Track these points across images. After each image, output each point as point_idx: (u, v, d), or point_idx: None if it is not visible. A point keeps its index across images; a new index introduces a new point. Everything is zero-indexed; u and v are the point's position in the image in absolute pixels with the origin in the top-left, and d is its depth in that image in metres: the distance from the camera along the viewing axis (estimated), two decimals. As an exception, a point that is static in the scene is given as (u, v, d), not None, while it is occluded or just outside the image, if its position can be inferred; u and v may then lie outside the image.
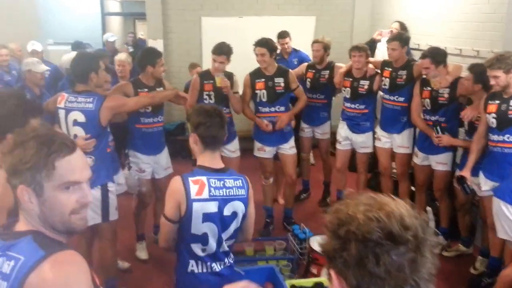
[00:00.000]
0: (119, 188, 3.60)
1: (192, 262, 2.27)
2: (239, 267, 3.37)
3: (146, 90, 3.86)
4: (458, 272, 3.87)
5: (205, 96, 4.18)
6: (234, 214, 2.25)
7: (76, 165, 1.21)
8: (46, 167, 1.14)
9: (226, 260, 2.35)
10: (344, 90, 4.64)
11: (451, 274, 3.83)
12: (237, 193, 2.24)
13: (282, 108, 4.35)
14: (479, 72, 3.56)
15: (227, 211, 2.22)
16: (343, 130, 4.75)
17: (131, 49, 8.52)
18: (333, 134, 5.05)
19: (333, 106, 5.19)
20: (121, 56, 4.94)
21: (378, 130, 4.58)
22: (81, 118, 3.21)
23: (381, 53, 5.41)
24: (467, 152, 3.77)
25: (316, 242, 3.84)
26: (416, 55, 5.15)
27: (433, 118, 3.99)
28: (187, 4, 6.89)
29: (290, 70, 4.53)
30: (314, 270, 3.55)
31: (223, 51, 4.23)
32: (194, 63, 6.34)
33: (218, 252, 2.29)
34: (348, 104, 4.67)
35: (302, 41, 6.30)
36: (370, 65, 4.55)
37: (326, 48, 4.84)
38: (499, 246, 3.47)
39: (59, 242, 1.20)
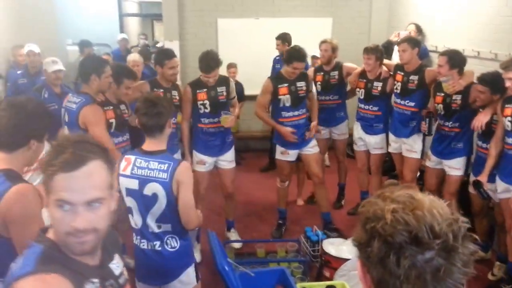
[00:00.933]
0: None
1: (133, 233, 2.57)
2: (250, 269, 3.44)
3: (161, 90, 3.95)
4: (476, 278, 3.81)
5: (199, 106, 4.03)
6: (155, 196, 2.41)
7: (73, 185, 1.15)
8: (48, 177, 1.17)
9: (157, 242, 2.47)
10: (359, 91, 4.67)
11: (469, 281, 3.78)
12: (157, 176, 2.39)
13: (303, 111, 4.37)
14: (492, 81, 3.52)
15: (147, 191, 2.42)
16: (357, 131, 4.81)
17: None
18: (351, 135, 5.06)
19: (349, 108, 5.18)
20: (134, 57, 5.02)
21: (389, 134, 4.58)
22: (66, 117, 3.37)
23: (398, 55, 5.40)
24: (480, 158, 3.73)
25: (329, 245, 3.85)
26: (434, 57, 5.13)
27: (447, 124, 3.96)
28: (203, 6, 6.96)
29: (307, 72, 4.54)
30: (327, 273, 3.56)
31: (212, 66, 3.90)
32: (231, 63, 6.29)
33: (146, 231, 2.48)
34: (362, 105, 4.71)
35: (318, 43, 6.32)
36: (384, 67, 4.55)
37: (334, 49, 4.84)
38: None
39: None
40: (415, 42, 4.36)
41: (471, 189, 3.85)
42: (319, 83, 4.92)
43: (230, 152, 4.27)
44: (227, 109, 4.16)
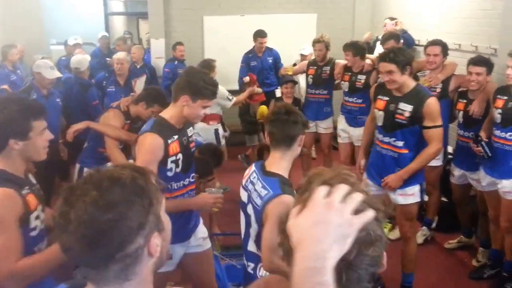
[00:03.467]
0: None
1: None
2: (236, 261, 3.47)
3: None
4: (461, 264, 3.94)
5: None
6: (248, 217, 2.23)
7: None
8: None
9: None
10: (343, 84, 4.77)
11: (455, 266, 3.92)
12: (255, 200, 2.23)
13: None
14: (486, 61, 3.56)
15: (248, 210, 2.24)
16: (341, 124, 4.90)
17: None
18: (335, 128, 5.17)
19: (334, 102, 5.26)
20: (120, 55, 5.01)
21: None
22: None
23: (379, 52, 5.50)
24: (461, 147, 3.78)
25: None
26: (418, 50, 5.22)
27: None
28: (189, 3, 6.97)
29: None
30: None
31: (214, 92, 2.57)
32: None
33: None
34: (346, 98, 4.80)
35: (304, 39, 6.36)
36: (368, 61, 4.63)
37: (328, 46, 4.98)
38: (500, 239, 3.52)
39: None
40: (398, 37, 4.48)
41: (452, 179, 3.93)
42: (310, 76, 5.05)
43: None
44: None
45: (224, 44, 6.81)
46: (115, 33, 9.73)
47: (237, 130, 6.39)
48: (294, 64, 6.19)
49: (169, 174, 2.41)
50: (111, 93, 4.89)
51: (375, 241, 0.87)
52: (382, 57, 3.09)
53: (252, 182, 2.16)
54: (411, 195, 3.16)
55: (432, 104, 3.00)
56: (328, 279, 0.77)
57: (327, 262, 0.78)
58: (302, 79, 5.84)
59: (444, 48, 3.93)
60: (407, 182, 3.11)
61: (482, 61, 3.55)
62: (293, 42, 6.57)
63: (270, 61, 6.23)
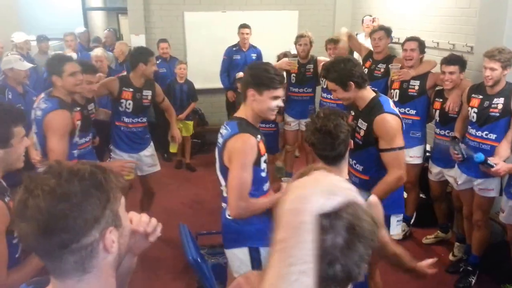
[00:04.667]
0: None
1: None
2: (223, 259, 3.50)
3: (131, 90, 3.85)
4: (438, 258, 4.02)
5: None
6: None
7: None
8: None
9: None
10: (323, 81, 4.79)
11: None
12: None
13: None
14: (458, 59, 3.64)
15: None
16: None
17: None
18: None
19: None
20: (98, 52, 4.93)
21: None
22: (34, 125, 3.12)
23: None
24: (439, 145, 3.85)
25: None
26: (397, 48, 5.29)
27: (401, 110, 3.93)
28: (169, -1, 6.91)
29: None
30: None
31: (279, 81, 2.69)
32: (180, 60, 6.18)
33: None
34: (325, 95, 4.88)
35: (285, 36, 6.38)
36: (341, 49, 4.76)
37: (312, 41, 4.97)
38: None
39: None
40: (390, 31, 4.52)
41: (431, 176, 4.02)
42: (293, 75, 5.01)
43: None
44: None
45: (205, 41, 6.80)
46: (95, 29, 9.57)
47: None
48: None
49: (263, 174, 2.38)
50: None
51: (362, 238, 0.90)
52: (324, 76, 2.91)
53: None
54: None
55: (383, 122, 2.55)
56: (308, 219, 0.81)
57: (309, 205, 0.83)
58: None
59: (421, 45, 4.02)
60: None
61: (454, 60, 3.62)
62: (274, 39, 6.59)
63: (254, 57, 6.24)
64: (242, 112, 2.40)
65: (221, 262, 3.54)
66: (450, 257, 4.00)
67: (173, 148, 5.65)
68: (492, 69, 3.20)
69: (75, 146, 3.25)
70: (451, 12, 4.77)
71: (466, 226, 3.74)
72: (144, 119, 4.05)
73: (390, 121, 2.55)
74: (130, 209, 3.39)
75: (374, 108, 2.63)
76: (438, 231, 4.27)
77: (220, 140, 2.40)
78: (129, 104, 3.85)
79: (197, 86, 6.27)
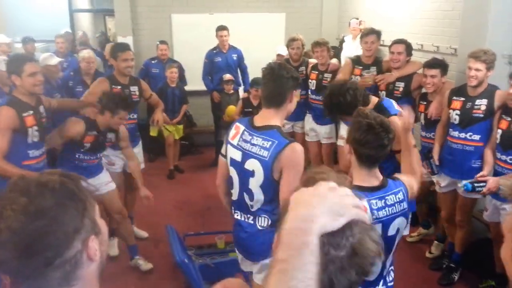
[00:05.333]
0: None
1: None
2: (210, 260, 3.52)
3: (119, 87, 3.92)
4: (419, 256, 4.12)
5: None
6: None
7: None
8: None
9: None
10: (311, 82, 4.85)
11: (416, 258, 4.10)
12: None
13: None
14: (440, 62, 3.72)
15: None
16: (308, 122, 5.01)
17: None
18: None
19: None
20: (88, 53, 4.91)
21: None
22: None
23: (347, 52, 5.66)
24: (425, 148, 3.90)
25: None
26: (383, 50, 5.38)
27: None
28: (156, 1, 6.92)
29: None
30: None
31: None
32: (171, 64, 6.07)
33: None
34: (313, 96, 4.89)
35: (273, 38, 6.45)
36: (333, 61, 4.79)
37: (304, 44, 5.01)
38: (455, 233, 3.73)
39: None
40: (380, 34, 4.55)
41: (423, 163, 4.09)
42: None
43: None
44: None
45: (193, 43, 6.81)
46: (81, 31, 9.52)
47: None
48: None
49: None
50: (79, 94, 4.80)
51: (358, 264, 0.87)
52: None
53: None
54: None
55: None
56: (313, 240, 0.78)
57: (314, 225, 0.79)
58: None
59: (408, 47, 4.09)
60: None
61: (436, 64, 3.69)
62: (262, 41, 6.66)
63: (235, 58, 6.31)
64: (272, 118, 2.27)
65: (209, 263, 3.57)
66: (427, 254, 4.07)
67: (153, 132, 5.65)
68: (477, 70, 3.25)
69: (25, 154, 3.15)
70: (435, 15, 4.86)
71: (446, 227, 3.82)
72: (135, 116, 4.13)
73: (398, 123, 2.52)
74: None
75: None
76: (420, 228, 4.35)
77: (261, 153, 2.20)
78: None
79: (185, 87, 6.30)
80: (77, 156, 3.50)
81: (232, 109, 5.54)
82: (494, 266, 3.35)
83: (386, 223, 1.98)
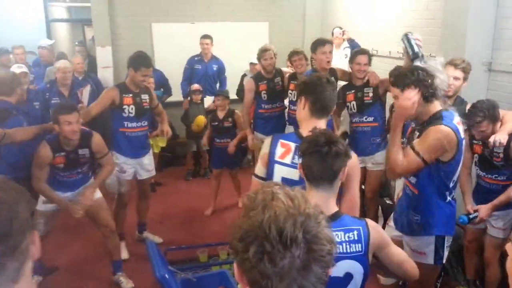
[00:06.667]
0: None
1: None
2: (192, 274, 3.51)
3: (130, 95, 4.02)
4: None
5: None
6: (348, 276, 1.80)
7: None
8: None
9: None
10: (291, 93, 4.81)
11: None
12: (348, 250, 1.77)
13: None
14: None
15: (335, 272, 1.86)
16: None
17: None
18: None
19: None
20: (65, 63, 4.90)
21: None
22: None
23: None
24: None
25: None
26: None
27: (361, 119, 4.16)
28: (136, 10, 6.94)
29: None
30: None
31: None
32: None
33: None
34: (293, 107, 4.82)
35: (256, 47, 6.46)
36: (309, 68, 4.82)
37: (275, 54, 4.93)
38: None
39: None
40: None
41: (393, 182, 4.20)
42: (264, 92, 4.90)
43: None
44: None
45: (174, 52, 6.84)
46: (59, 41, 9.49)
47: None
48: (244, 75, 6.31)
49: None
50: (56, 105, 4.80)
51: (318, 259, 0.91)
52: None
53: None
54: None
55: (433, 131, 2.40)
56: None
57: None
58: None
59: (369, 56, 4.19)
60: None
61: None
62: (245, 50, 6.71)
63: (215, 68, 6.39)
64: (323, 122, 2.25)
65: (191, 277, 3.55)
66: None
67: (162, 142, 5.73)
68: (456, 78, 3.22)
69: None
70: (416, 23, 4.99)
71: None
72: (146, 123, 4.23)
73: (441, 131, 2.35)
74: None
75: (433, 119, 2.43)
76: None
77: None
78: (132, 108, 4.04)
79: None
80: (57, 174, 3.53)
81: (201, 119, 5.64)
82: (465, 272, 3.40)
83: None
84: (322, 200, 1.77)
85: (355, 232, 1.77)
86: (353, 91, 4.20)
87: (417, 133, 2.50)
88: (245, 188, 5.14)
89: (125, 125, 4.08)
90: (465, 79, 3.29)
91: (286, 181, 2.16)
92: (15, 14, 9.44)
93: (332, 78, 2.33)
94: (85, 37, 11.32)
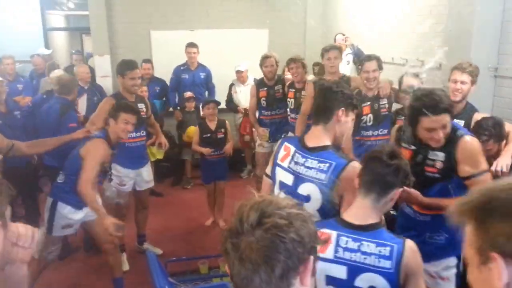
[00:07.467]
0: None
1: None
2: (193, 286, 3.47)
3: None
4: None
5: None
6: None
7: None
8: None
9: None
10: (289, 101, 4.87)
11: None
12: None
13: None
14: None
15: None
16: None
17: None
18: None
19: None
20: (58, 73, 4.88)
21: None
22: None
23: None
24: None
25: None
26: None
27: (375, 132, 3.89)
28: (135, 18, 6.97)
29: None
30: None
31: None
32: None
33: None
34: (293, 115, 4.87)
35: (255, 54, 6.47)
36: (309, 78, 4.85)
37: (277, 62, 5.02)
38: None
39: None
40: (340, 48, 4.64)
41: None
42: (263, 99, 5.03)
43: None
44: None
45: (173, 60, 6.83)
46: (57, 50, 9.51)
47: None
48: (232, 85, 6.35)
49: None
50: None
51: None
52: None
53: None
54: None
55: (466, 145, 2.44)
56: None
57: None
58: None
59: (379, 61, 3.92)
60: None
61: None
62: (245, 57, 6.70)
63: (203, 76, 6.41)
64: (322, 137, 2.17)
65: (192, 290, 3.52)
66: None
67: (159, 154, 5.72)
68: (463, 82, 3.18)
69: None
70: (418, 29, 4.99)
71: None
72: (144, 133, 4.22)
73: (472, 143, 2.41)
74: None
75: (453, 133, 2.41)
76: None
77: (319, 176, 2.08)
78: None
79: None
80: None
81: (192, 129, 5.51)
82: None
83: (353, 270, 1.76)
84: (363, 209, 1.80)
85: (388, 248, 1.73)
86: (368, 103, 3.88)
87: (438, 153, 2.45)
88: (228, 205, 5.06)
89: None
90: (473, 82, 3.24)
91: (282, 185, 2.20)
92: (11, 22, 9.47)
93: (335, 85, 2.24)
94: (83, 46, 11.37)
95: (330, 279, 1.79)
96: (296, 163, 2.16)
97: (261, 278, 0.94)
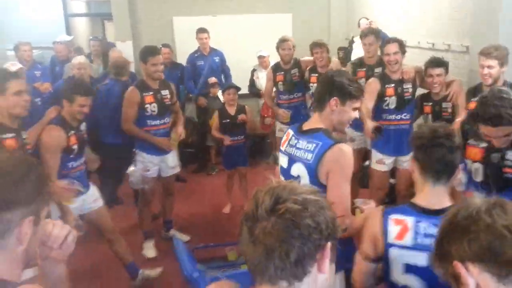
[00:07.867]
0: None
1: None
2: (222, 272, 3.54)
3: (151, 93, 4.03)
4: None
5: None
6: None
7: None
8: None
9: None
10: (312, 86, 4.85)
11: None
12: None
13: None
14: (443, 61, 3.82)
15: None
16: None
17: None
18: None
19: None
20: (81, 59, 4.92)
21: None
22: None
23: (357, 52, 5.68)
24: None
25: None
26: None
27: (398, 116, 3.97)
28: (157, 3, 7.01)
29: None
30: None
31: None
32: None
33: None
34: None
35: (277, 41, 6.45)
36: (332, 65, 4.79)
37: (294, 46, 5.02)
38: None
39: None
40: (378, 33, 4.54)
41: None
42: (281, 83, 5.07)
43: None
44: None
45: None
46: (78, 36, 9.60)
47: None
48: (254, 70, 6.33)
49: None
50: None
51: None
52: None
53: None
54: None
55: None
56: None
57: None
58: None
59: (402, 45, 3.95)
60: None
61: (440, 62, 3.78)
62: (268, 43, 6.66)
63: (217, 60, 6.36)
64: (318, 122, 2.22)
65: (220, 276, 3.58)
66: None
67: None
68: (490, 67, 3.25)
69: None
70: (445, 13, 4.90)
71: None
72: (168, 120, 4.25)
73: None
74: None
75: None
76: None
77: (306, 156, 2.12)
78: (154, 106, 4.05)
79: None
80: (69, 165, 3.31)
81: (214, 119, 5.46)
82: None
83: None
84: (436, 195, 1.77)
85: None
86: (392, 85, 3.94)
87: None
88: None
89: (148, 124, 4.08)
90: (502, 64, 3.26)
91: (281, 169, 2.29)
92: (33, 8, 9.59)
93: (336, 73, 2.29)
94: (104, 32, 11.44)
95: (409, 267, 1.76)
96: (291, 145, 2.23)
97: (275, 264, 0.95)
